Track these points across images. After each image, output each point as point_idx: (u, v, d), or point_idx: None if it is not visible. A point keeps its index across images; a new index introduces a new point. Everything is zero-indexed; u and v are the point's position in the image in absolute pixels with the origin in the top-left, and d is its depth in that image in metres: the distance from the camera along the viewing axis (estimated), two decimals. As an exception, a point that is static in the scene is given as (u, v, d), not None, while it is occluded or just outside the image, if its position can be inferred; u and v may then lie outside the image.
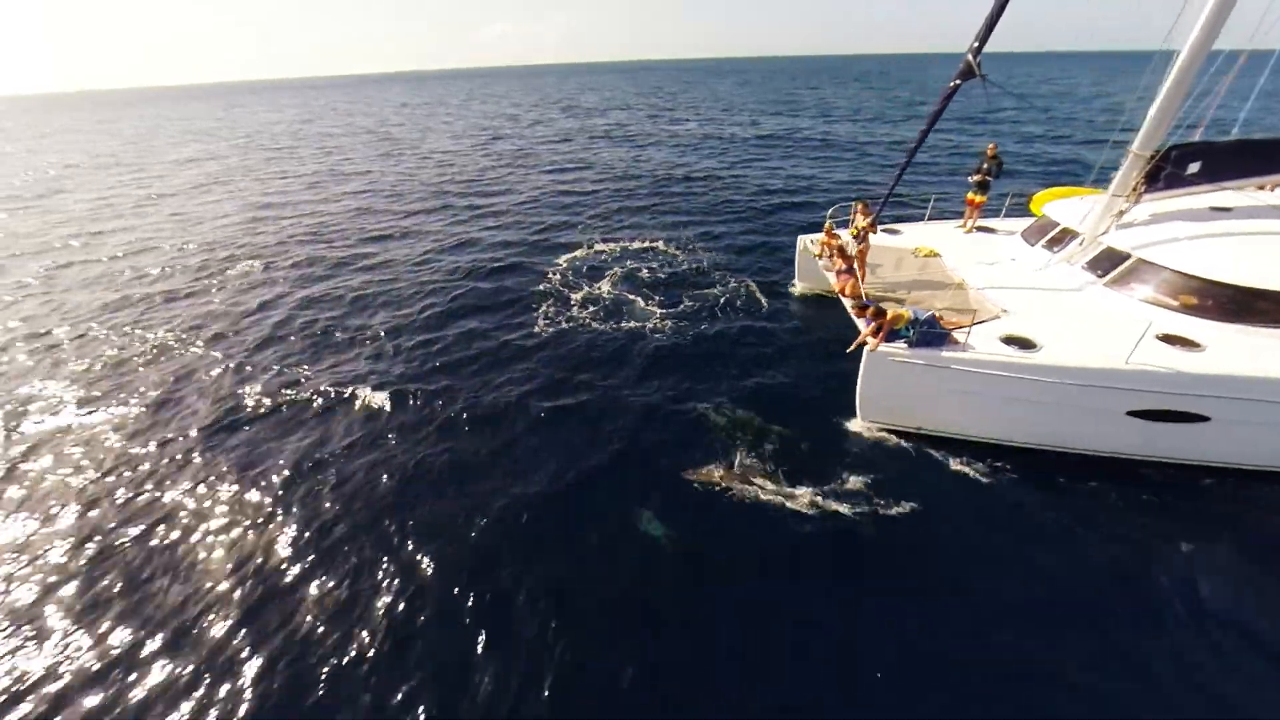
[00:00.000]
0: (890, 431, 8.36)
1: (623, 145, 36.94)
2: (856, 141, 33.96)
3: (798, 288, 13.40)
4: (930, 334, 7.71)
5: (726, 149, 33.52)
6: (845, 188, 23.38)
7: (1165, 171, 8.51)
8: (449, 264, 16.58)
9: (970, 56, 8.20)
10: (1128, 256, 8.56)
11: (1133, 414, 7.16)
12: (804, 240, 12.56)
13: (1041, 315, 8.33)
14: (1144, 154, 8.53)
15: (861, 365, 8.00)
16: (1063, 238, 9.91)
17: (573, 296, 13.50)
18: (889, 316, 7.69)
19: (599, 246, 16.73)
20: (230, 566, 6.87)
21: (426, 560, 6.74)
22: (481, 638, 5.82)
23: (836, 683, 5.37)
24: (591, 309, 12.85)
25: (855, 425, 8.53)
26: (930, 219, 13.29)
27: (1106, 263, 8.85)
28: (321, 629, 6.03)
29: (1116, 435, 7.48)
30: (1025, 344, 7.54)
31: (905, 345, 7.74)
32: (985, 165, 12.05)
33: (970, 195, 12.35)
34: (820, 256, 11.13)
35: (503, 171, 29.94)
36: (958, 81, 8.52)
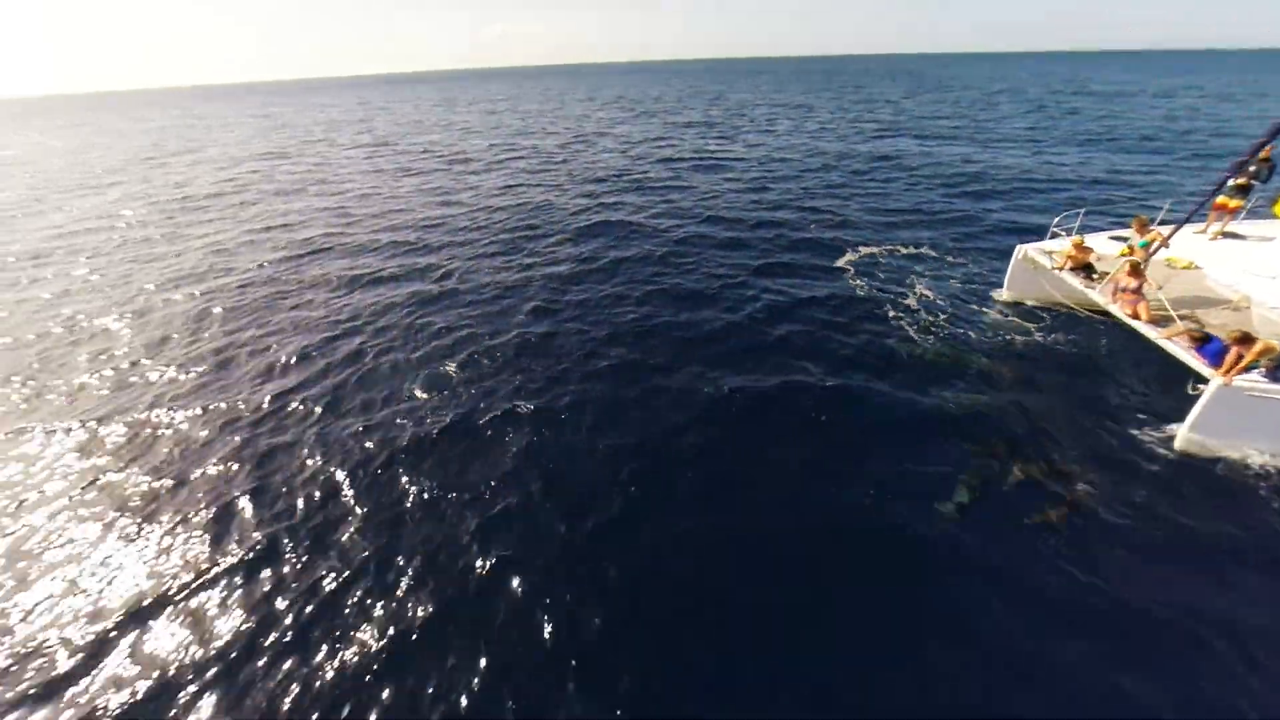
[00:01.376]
0: (1211, 457, 7.81)
1: (737, 140, 36.25)
2: (995, 136, 33.46)
3: (1004, 295, 12.13)
4: None
5: (854, 144, 32.66)
6: (1052, 183, 22.65)
7: None
8: (719, 254, 15.95)
9: None
10: None
11: None
12: (1025, 249, 11.54)
13: None
14: None
15: (1206, 396, 7.38)
16: None
17: (905, 302, 12.41)
18: (1260, 347, 6.93)
19: (864, 250, 15.72)
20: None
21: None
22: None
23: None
24: (934, 317, 11.67)
25: (1171, 450, 7.84)
26: (1160, 223, 11.55)
27: None
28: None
29: None
30: None
31: (1263, 377, 7.14)
32: (1253, 167, 10.67)
33: (1223, 199, 11.10)
34: (1061, 269, 10.52)
35: (644, 165, 28.88)
36: None
